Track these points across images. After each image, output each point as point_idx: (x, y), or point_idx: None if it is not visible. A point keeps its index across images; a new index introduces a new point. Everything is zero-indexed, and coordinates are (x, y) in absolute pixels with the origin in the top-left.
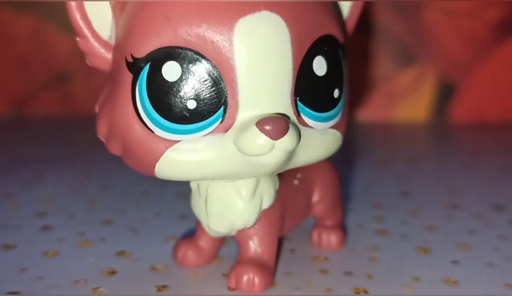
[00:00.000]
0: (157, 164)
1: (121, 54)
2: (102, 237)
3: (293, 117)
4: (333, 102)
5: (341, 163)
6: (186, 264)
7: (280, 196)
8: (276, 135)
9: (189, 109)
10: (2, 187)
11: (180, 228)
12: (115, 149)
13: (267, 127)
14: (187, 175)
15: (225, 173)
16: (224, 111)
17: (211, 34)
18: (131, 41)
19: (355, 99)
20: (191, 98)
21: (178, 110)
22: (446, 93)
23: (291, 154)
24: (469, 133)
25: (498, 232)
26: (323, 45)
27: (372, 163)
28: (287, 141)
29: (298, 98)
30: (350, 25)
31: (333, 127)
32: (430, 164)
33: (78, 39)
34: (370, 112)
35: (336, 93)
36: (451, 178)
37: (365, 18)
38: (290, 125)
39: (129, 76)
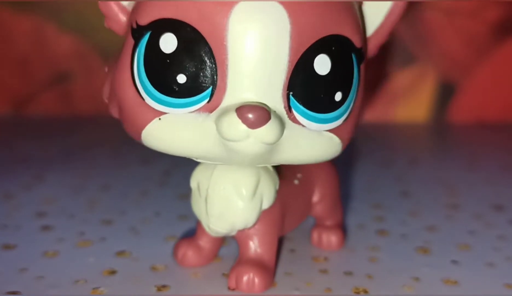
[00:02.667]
0: (143, 132)
1: (130, 20)
2: (102, 237)
3: (281, 111)
4: (333, 105)
5: (341, 163)
6: (186, 264)
7: (280, 196)
8: (253, 124)
9: (179, 83)
10: (2, 187)
11: (180, 228)
12: (114, 111)
13: (245, 115)
14: (169, 148)
15: (206, 154)
16: (212, 92)
17: (210, 13)
18: (139, 9)
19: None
20: (181, 73)
21: (169, 82)
22: (446, 93)
23: (273, 148)
24: (469, 133)
25: (498, 232)
26: (331, 44)
27: (372, 163)
28: (265, 132)
29: (291, 93)
30: (377, 39)
31: (331, 131)
32: (430, 164)
33: (99, 1)
34: (370, 112)
35: (338, 96)
36: (451, 178)
37: None
38: (272, 117)
39: (131, 43)
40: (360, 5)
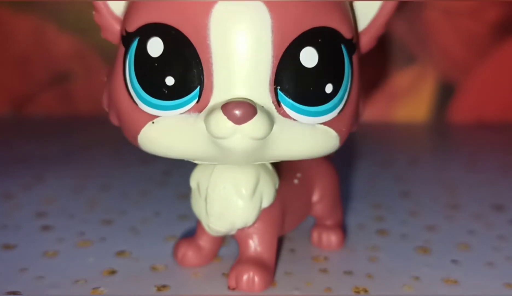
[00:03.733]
0: (139, 136)
1: (121, 28)
2: (102, 237)
3: (270, 106)
4: (324, 97)
5: (341, 163)
6: (186, 264)
7: (280, 195)
8: (239, 120)
9: (168, 86)
10: (2, 187)
11: (180, 228)
12: (113, 118)
13: (231, 111)
14: (165, 150)
15: (201, 154)
16: (200, 92)
17: (191, 13)
18: (127, 16)
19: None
20: (169, 75)
21: (158, 85)
22: (446, 93)
23: (264, 143)
24: (469, 133)
25: (498, 232)
26: (316, 37)
27: (372, 163)
28: (252, 127)
29: (278, 87)
30: (373, 31)
31: (325, 124)
32: (430, 164)
33: (94, 13)
34: (370, 112)
35: (328, 88)
36: (451, 178)
37: None
38: (258, 112)
39: (122, 50)
40: None
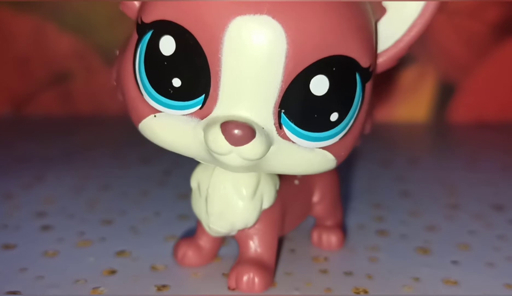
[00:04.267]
0: (140, 124)
1: (138, 13)
2: (102, 237)
3: (270, 128)
4: (328, 125)
5: (341, 163)
6: (186, 264)
7: (281, 196)
8: (236, 142)
9: (174, 87)
10: (2, 187)
11: (180, 228)
12: (119, 94)
13: (229, 132)
14: (163, 143)
15: (197, 156)
16: (205, 100)
17: (209, 23)
18: (145, 5)
19: None
20: (177, 77)
21: (164, 84)
22: (446, 93)
23: (259, 161)
24: (469, 133)
25: (498, 232)
26: (331, 65)
27: (372, 163)
28: (248, 150)
29: (283, 110)
30: (396, 53)
31: (324, 148)
32: (430, 164)
33: None
34: None
35: (334, 116)
36: (451, 178)
37: None
38: (256, 136)
39: (135, 37)
40: (377, 20)
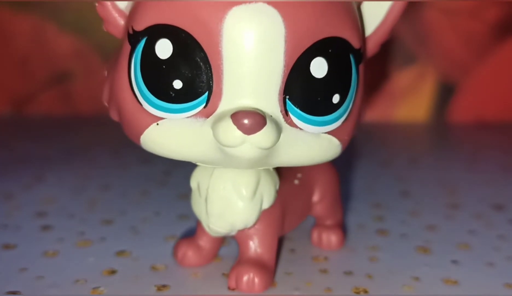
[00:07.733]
0: (142, 137)
1: (127, 25)
2: (102, 237)
3: (278, 115)
4: (331, 108)
5: (341, 163)
6: (186, 264)
7: (281, 196)
8: (248, 130)
9: (175, 89)
10: (2, 187)
11: (180, 228)
12: (113, 114)
13: (241, 121)
14: (168, 152)
15: (205, 158)
16: (209, 97)
17: (204, 18)
18: (135, 14)
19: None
20: (177, 78)
21: (165, 88)
22: (446, 93)
23: (269, 152)
24: (469, 133)
25: (498, 232)
26: (327, 47)
27: (372, 163)
28: (261, 138)
29: (287, 97)
30: (378, 38)
31: (329, 133)
32: (430, 164)
33: (97, 5)
34: (370, 112)
35: (336, 98)
36: (451, 178)
37: None
38: (268, 122)
39: (128, 48)
40: (359, 4)
